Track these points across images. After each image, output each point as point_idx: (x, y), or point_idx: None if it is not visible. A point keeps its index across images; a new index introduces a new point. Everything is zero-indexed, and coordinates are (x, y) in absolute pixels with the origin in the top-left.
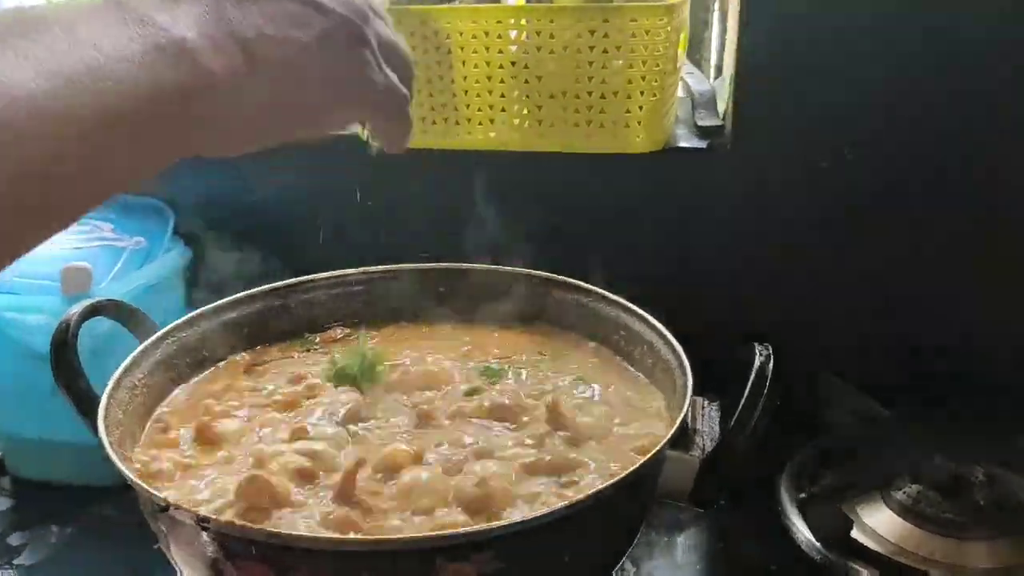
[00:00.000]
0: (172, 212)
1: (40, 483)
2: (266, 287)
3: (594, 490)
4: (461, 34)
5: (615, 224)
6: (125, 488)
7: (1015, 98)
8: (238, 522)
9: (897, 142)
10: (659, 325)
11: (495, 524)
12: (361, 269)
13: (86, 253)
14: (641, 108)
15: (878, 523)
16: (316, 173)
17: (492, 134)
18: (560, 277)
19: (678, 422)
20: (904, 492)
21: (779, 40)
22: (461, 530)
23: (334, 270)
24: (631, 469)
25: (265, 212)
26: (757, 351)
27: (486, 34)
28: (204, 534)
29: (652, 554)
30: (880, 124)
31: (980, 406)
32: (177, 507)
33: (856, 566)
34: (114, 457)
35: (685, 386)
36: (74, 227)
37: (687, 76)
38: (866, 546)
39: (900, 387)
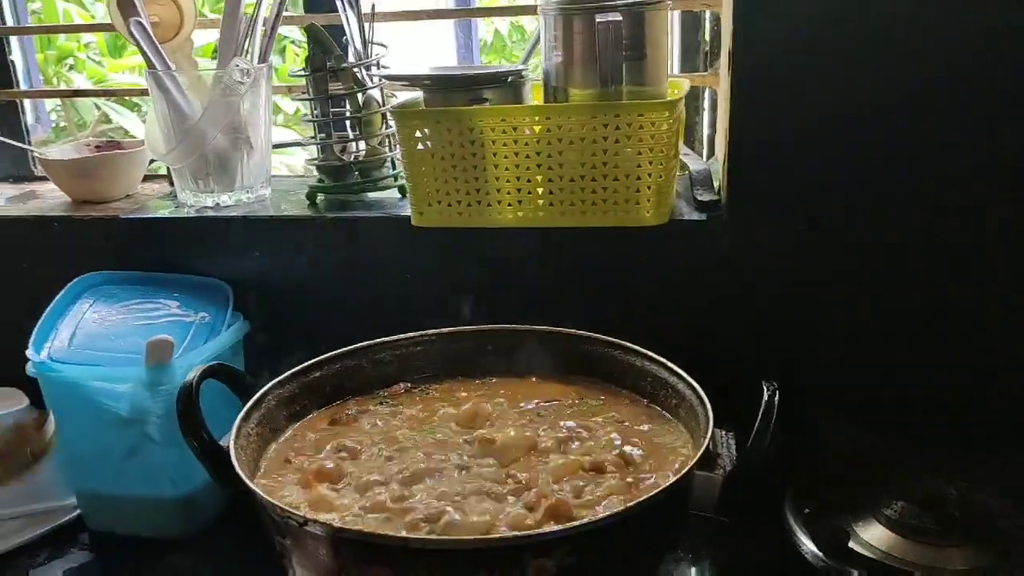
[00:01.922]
0: (230, 289)
1: (116, 536)
2: (344, 349)
3: (644, 497)
4: (492, 130)
5: (630, 287)
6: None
7: (994, 154)
8: (367, 530)
9: (870, 208)
10: (681, 371)
11: (570, 524)
12: (421, 332)
13: (161, 328)
14: (649, 187)
15: (871, 535)
16: (362, 249)
17: (520, 213)
18: (591, 334)
19: (703, 446)
20: (892, 508)
21: (765, 128)
22: (545, 530)
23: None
24: (672, 480)
25: (311, 286)
26: (765, 387)
27: (514, 129)
28: (335, 544)
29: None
30: (853, 195)
31: (955, 436)
32: (314, 521)
33: (853, 570)
34: (249, 482)
35: (707, 417)
36: (142, 304)
37: (684, 157)
38: (861, 554)
39: (889, 419)
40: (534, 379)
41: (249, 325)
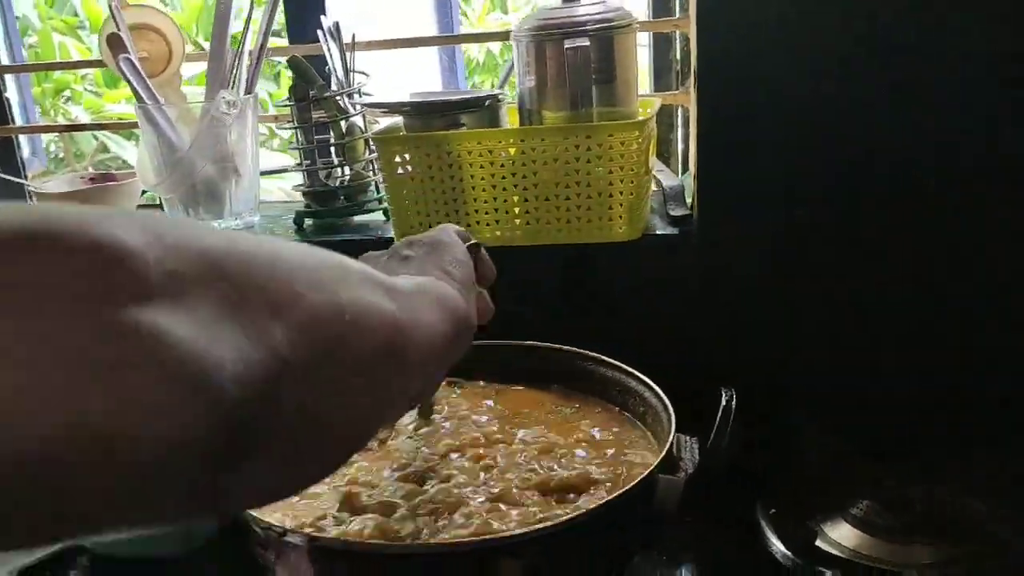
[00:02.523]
0: None
1: (116, 558)
2: None
3: (605, 500)
4: (469, 152)
5: (608, 300)
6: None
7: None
8: (343, 537)
9: (842, 210)
10: (646, 379)
11: (533, 527)
12: None
13: None
14: (621, 204)
15: (838, 535)
16: None
17: (498, 232)
18: (564, 347)
19: (664, 450)
20: (859, 508)
21: (732, 139)
22: (509, 532)
23: None
24: (633, 483)
25: None
26: (723, 393)
27: (490, 152)
28: (314, 553)
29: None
30: (825, 197)
31: (932, 437)
32: (293, 531)
33: (822, 568)
34: None
35: (670, 422)
36: None
37: (658, 173)
38: (829, 552)
39: (865, 421)
40: (520, 387)
41: None
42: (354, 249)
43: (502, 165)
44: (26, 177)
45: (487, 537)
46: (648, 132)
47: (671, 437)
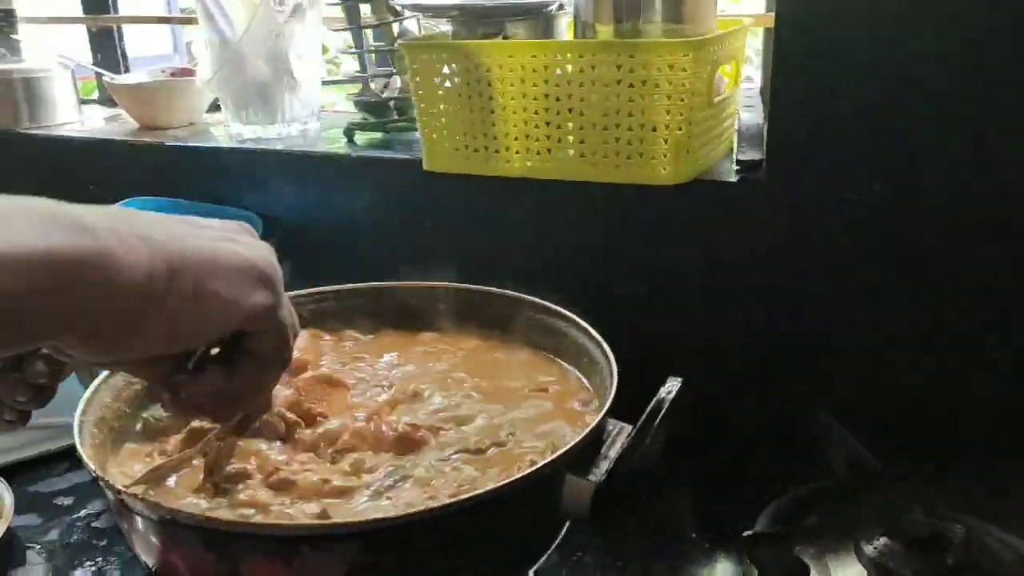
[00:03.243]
0: (260, 222)
1: None
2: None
3: (465, 496)
4: (500, 67)
5: (626, 251)
6: None
7: None
8: (141, 495)
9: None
10: (606, 346)
11: (360, 519)
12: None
13: None
14: (666, 141)
15: (843, 574)
16: (377, 191)
17: (528, 164)
18: (529, 297)
19: (568, 446)
20: (873, 544)
21: (813, 83)
22: (326, 521)
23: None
24: (514, 478)
25: (332, 226)
26: (669, 381)
27: (521, 67)
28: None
29: None
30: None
31: (966, 458)
32: (130, 494)
33: None
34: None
35: (601, 410)
36: None
37: (745, 110)
38: None
39: (888, 433)
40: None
41: None
42: (390, 168)
43: (533, 85)
44: (127, 69)
45: (339, 522)
46: (709, 56)
47: (587, 431)
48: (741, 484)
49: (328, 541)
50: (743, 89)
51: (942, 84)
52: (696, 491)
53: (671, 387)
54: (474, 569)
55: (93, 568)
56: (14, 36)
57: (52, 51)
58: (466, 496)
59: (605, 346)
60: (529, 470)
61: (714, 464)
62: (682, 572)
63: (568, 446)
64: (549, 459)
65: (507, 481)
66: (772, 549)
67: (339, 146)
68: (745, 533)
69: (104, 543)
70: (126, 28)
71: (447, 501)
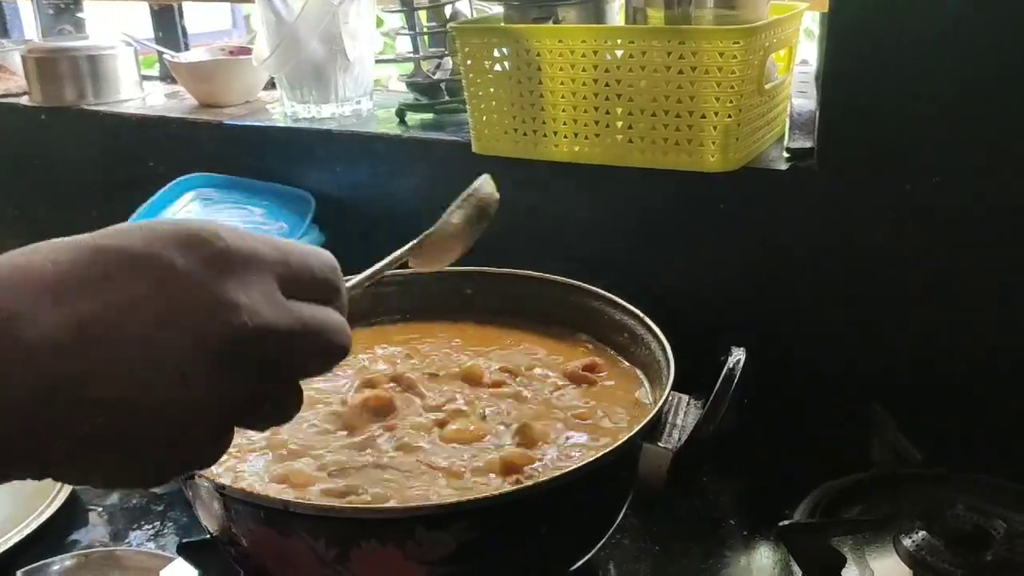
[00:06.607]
0: (314, 201)
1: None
2: None
3: (563, 471)
4: (549, 51)
5: (682, 241)
6: None
7: None
8: (246, 488)
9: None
10: (653, 325)
11: (469, 497)
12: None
13: None
14: (715, 128)
15: (881, 570)
16: (427, 172)
17: (576, 148)
18: (574, 282)
19: (649, 417)
20: (912, 538)
21: (865, 69)
22: (439, 501)
23: None
24: (603, 452)
25: (384, 205)
26: (733, 351)
27: (572, 52)
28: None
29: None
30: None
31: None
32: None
33: None
34: None
35: (670, 376)
36: (232, 209)
37: (798, 95)
38: None
39: (936, 426)
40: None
41: (324, 238)
42: (440, 149)
43: (583, 69)
44: (187, 46)
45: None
46: (761, 43)
47: (663, 398)
48: (784, 473)
49: (445, 519)
50: (798, 73)
51: (1015, 72)
52: (740, 478)
53: (738, 356)
54: (563, 540)
55: (152, 531)
56: (79, 14)
57: (115, 28)
58: (575, 466)
59: (655, 328)
60: (621, 440)
61: (758, 452)
62: (719, 558)
63: (650, 416)
64: (637, 428)
65: (606, 451)
66: (809, 539)
67: (391, 126)
68: (782, 523)
69: (161, 508)
70: (186, 5)
71: (557, 473)
